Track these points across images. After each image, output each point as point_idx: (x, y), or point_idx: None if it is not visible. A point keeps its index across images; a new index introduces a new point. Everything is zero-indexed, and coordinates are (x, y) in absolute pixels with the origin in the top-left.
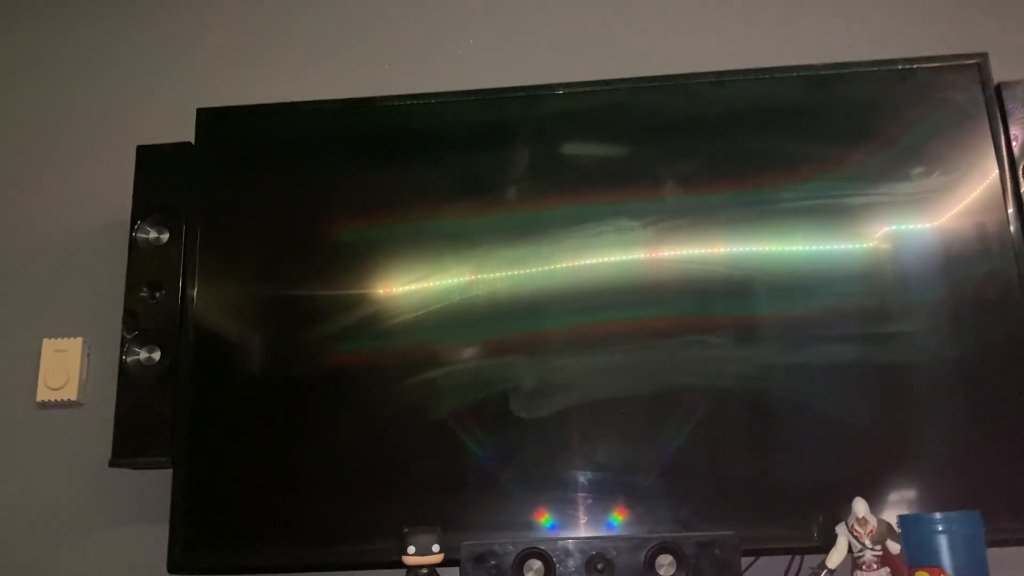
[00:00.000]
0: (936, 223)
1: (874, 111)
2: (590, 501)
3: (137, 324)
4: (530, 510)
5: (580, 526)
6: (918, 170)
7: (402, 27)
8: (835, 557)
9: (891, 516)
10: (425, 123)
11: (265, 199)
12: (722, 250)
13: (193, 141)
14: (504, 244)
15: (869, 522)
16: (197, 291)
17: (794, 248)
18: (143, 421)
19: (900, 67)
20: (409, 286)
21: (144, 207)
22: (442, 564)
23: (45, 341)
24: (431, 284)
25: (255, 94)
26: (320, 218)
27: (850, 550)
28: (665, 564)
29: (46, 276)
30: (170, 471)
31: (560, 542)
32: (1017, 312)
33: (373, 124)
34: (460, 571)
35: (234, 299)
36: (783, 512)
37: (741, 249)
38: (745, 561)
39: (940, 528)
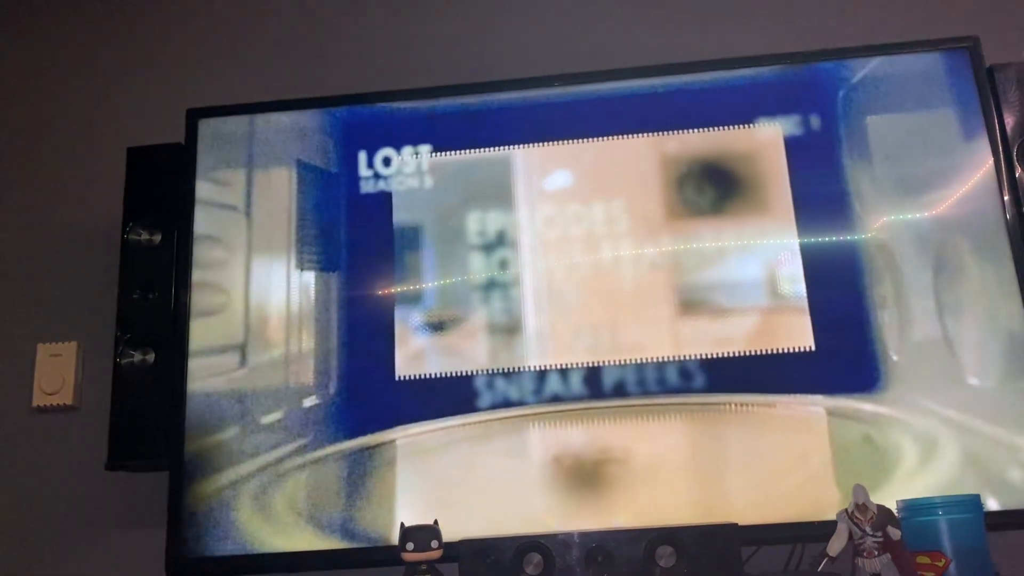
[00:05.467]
0: (929, 210)
1: (865, 96)
2: (589, 493)
3: (131, 326)
4: (529, 503)
5: (579, 517)
6: (911, 156)
7: (394, 26)
8: (836, 545)
9: (891, 502)
10: (416, 119)
11: (256, 198)
12: (716, 244)
13: (183, 142)
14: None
15: (869, 509)
16: (190, 292)
17: (785, 241)
18: (139, 424)
19: (891, 51)
20: (401, 288)
21: (136, 209)
22: (441, 560)
23: (40, 346)
24: (424, 286)
25: (244, 94)
26: (312, 217)
27: (851, 537)
28: (665, 555)
29: (39, 281)
30: (167, 473)
31: (559, 535)
32: (1013, 297)
33: (364, 120)
34: (459, 566)
35: (227, 299)
36: (783, 501)
37: (733, 243)
38: (746, 551)
39: (940, 512)
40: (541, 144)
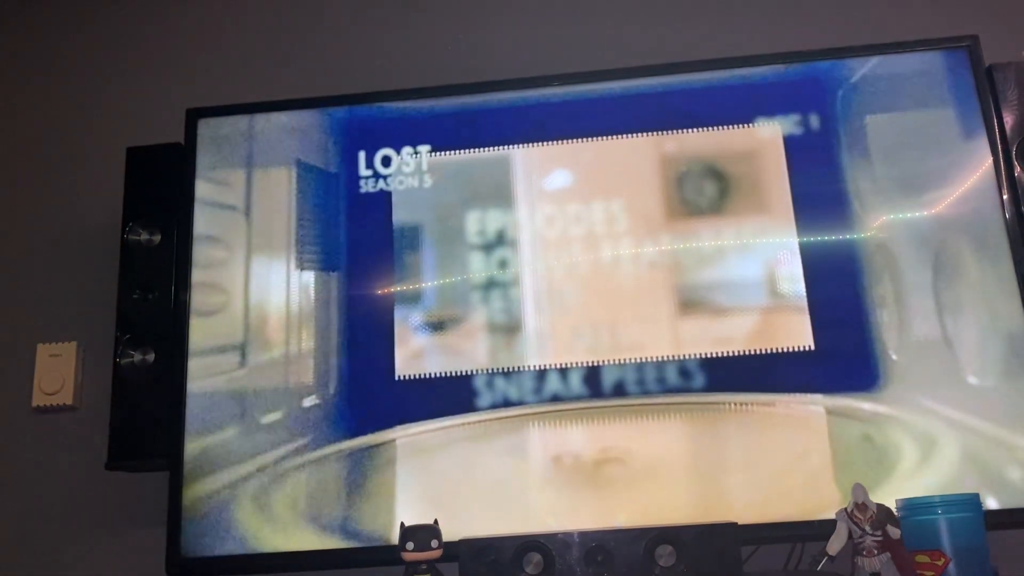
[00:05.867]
0: (929, 209)
1: (865, 95)
2: (588, 493)
3: (131, 326)
4: (529, 502)
5: (579, 517)
6: (910, 155)
7: (393, 26)
8: (835, 544)
9: (890, 501)
10: (415, 118)
11: (256, 198)
12: (716, 244)
13: (183, 141)
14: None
15: (868, 508)
16: (190, 292)
17: (785, 240)
18: (139, 424)
19: (891, 51)
20: (401, 287)
21: (135, 209)
22: (441, 560)
23: (39, 346)
24: (423, 285)
25: (243, 94)
26: (312, 217)
27: (850, 536)
28: (665, 555)
29: (39, 281)
30: (167, 473)
31: (559, 535)
32: (1013, 297)
33: (364, 120)
34: (459, 566)
35: (227, 299)
36: (783, 500)
37: (733, 243)
38: (746, 551)
39: (939, 511)
40: (540, 144)
